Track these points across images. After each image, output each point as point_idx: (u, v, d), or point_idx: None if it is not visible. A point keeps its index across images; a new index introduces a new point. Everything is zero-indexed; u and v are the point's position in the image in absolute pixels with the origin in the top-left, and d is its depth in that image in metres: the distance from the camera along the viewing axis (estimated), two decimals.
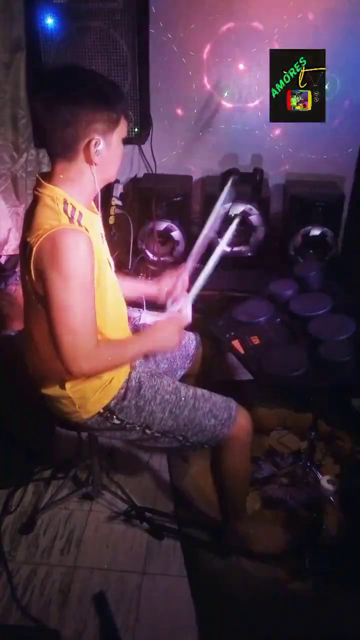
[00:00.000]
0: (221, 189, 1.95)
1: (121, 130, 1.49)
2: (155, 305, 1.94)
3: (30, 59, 2.67)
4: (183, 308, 1.79)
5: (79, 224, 1.45)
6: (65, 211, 1.44)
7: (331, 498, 2.03)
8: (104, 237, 1.65)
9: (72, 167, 1.47)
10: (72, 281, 1.39)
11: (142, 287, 1.95)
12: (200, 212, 3.13)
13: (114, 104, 1.44)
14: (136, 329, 1.90)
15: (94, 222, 1.56)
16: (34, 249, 1.40)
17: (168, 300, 1.87)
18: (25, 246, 1.45)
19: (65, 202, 1.45)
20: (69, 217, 1.44)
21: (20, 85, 2.70)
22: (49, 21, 2.57)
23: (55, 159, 1.48)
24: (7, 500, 2.13)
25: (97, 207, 1.61)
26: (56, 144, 1.45)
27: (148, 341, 1.67)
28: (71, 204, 1.46)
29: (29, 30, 2.61)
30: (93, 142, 1.43)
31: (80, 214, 1.47)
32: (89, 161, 1.46)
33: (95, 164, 1.46)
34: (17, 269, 2.60)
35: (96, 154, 1.45)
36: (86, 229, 1.45)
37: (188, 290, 1.84)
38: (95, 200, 1.60)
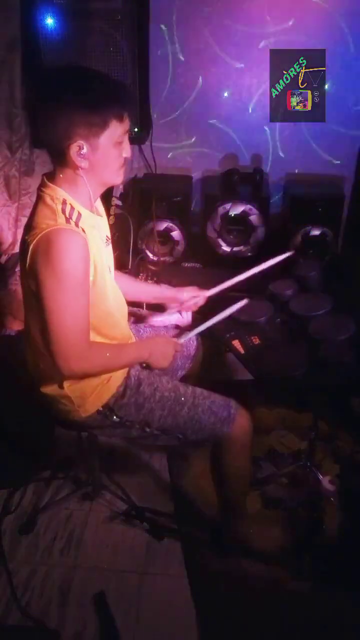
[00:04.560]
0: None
1: (112, 134, 1.43)
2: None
3: (29, 59, 2.66)
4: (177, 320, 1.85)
5: (76, 225, 1.44)
6: (63, 211, 1.44)
7: (331, 498, 2.03)
8: (109, 240, 1.65)
9: (65, 169, 1.47)
10: (64, 281, 1.39)
11: (160, 291, 2.01)
12: (200, 212, 3.13)
13: (99, 108, 1.39)
14: (140, 336, 1.91)
15: (96, 224, 1.55)
16: (30, 248, 1.40)
17: (172, 306, 1.96)
18: (23, 244, 1.46)
19: (64, 202, 1.45)
20: (66, 217, 1.43)
21: (16, 84, 2.70)
22: (49, 21, 2.57)
23: (51, 160, 1.49)
24: (7, 500, 2.12)
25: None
26: (47, 146, 1.46)
27: (144, 351, 1.67)
28: (70, 204, 1.46)
29: (28, 30, 2.60)
30: (76, 146, 1.41)
31: (79, 214, 1.46)
32: (74, 165, 1.44)
33: (82, 168, 1.45)
34: (18, 269, 2.60)
35: (81, 158, 1.43)
36: (83, 230, 1.45)
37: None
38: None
